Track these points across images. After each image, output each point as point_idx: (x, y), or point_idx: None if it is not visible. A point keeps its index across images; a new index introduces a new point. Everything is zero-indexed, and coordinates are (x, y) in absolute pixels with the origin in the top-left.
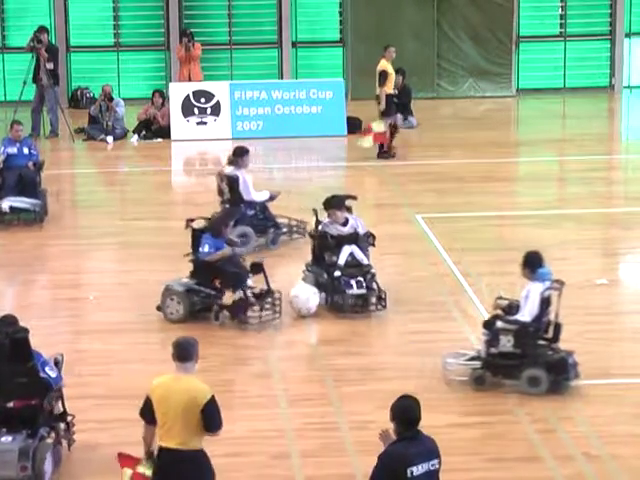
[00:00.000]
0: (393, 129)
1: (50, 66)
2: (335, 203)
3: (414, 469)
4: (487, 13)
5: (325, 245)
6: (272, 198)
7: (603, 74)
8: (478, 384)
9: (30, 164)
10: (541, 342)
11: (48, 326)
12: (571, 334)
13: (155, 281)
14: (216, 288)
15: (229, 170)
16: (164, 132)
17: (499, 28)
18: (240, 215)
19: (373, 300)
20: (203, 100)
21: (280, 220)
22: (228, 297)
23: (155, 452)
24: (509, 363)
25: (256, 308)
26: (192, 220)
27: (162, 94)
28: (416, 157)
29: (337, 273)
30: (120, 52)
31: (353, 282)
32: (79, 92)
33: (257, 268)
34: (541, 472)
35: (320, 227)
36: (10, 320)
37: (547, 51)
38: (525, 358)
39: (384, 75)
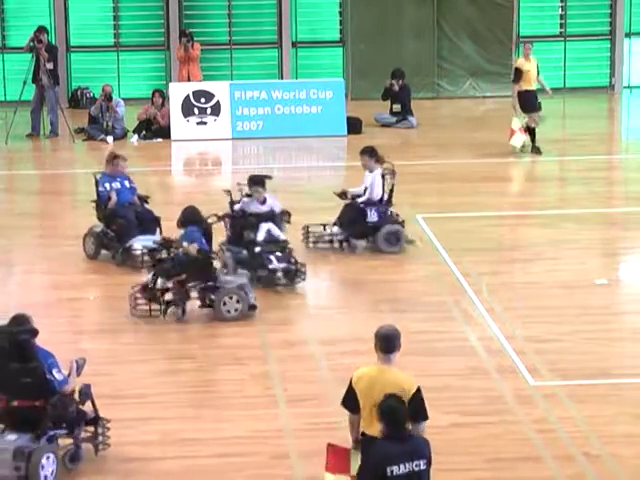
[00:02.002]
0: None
1: (50, 66)
2: (259, 181)
3: (394, 468)
4: (487, 13)
5: (244, 223)
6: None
7: (603, 74)
8: None
9: (136, 198)
10: None
11: (48, 326)
12: (571, 334)
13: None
14: None
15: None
16: (164, 132)
17: (499, 28)
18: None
19: (292, 273)
20: (203, 100)
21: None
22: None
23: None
24: None
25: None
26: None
27: (162, 94)
28: (416, 157)
29: (257, 249)
30: (120, 52)
31: (272, 257)
32: (79, 92)
33: None
34: (541, 472)
35: (239, 205)
36: (20, 320)
37: (547, 51)
38: None
39: (517, 72)
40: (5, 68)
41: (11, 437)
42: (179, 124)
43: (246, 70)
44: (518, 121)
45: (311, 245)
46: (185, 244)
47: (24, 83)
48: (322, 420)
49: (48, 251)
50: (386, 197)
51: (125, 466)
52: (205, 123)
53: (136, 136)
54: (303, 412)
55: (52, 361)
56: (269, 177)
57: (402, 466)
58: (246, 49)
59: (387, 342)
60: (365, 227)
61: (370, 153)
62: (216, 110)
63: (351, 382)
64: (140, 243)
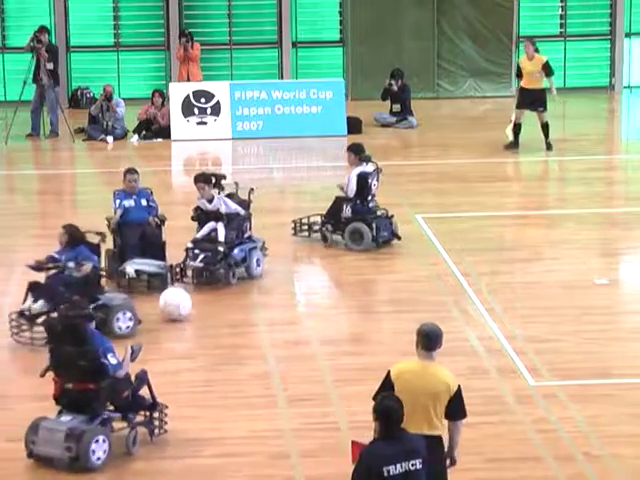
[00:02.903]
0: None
1: (50, 66)
2: (202, 178)
3: (391, 468)
4: (487, 13)
5: (197, 218)
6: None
7: (603, 74)
8: None
9: (151, 219)
10: None
11: None
12: (571, 334)
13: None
14: None
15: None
16: (164, 132)
17: (499, 28)
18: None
19: (205, 274)
20: (203, 100)
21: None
22: None
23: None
24: None
25: None
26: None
27: (162, 94)
28: (416, 157)
29: (189, 244)
30: (120, 52)
31: (201, 255)
32: (79, 92)
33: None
34: (541, 472)
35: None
36: (76, 304)
37: (547, 51)
38: None
39: (517, 69)
40: (5, 68)
41: (66, 418)
42: (179, 124)
43: (246, 70)
44: (513, 113)
45: (297, 235)
46: (71, 264)
47: (24, 83)
48: (322, 420)
49: (48, 251)
50: (367, 195)
51: (125, 466)
52: (205, 123)
53: (136, 136)
54: (303, 412)
55: (108, 346)
56: (222, 176)
57: (398, 466)
58: (246, 49)
59: (429, 340)
60: (340, 222)
61: (354, 150)
62: (216, 110)
63: (389, 377)
64: (133, 267)
